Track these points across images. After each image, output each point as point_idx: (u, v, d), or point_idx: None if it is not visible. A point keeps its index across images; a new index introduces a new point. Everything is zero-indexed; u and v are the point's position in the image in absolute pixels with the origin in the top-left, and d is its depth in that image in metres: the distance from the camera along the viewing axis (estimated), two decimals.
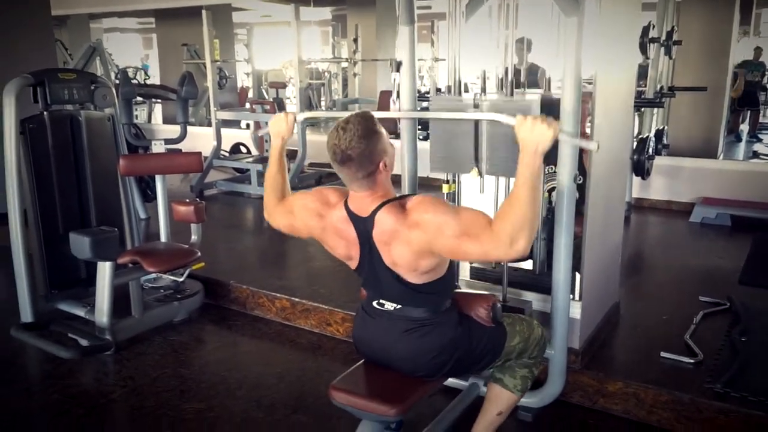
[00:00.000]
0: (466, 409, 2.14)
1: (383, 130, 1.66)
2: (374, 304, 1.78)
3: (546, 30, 2.61)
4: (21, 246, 3.02)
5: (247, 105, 6.79)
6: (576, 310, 2.37)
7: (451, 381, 2.19)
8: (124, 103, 4.09)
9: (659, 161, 5.01)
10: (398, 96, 2.53)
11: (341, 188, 1.79)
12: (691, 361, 2.48)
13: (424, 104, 8.11)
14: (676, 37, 4.97)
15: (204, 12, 6.07)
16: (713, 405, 2.20)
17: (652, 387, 2.30)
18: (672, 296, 3.29)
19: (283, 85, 9.54)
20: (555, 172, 2.20)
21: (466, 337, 1.77)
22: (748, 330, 2.70)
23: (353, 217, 1.70)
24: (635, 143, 4.67)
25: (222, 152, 6.23)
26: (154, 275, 3.31)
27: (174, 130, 4.20)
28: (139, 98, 7.82)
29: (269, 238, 4.93)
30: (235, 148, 6.79)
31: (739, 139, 8.70)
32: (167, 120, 9.49)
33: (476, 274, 2.65)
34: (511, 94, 2.32)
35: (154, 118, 10.40)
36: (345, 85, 10.00)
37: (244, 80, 11.26)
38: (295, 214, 1.85)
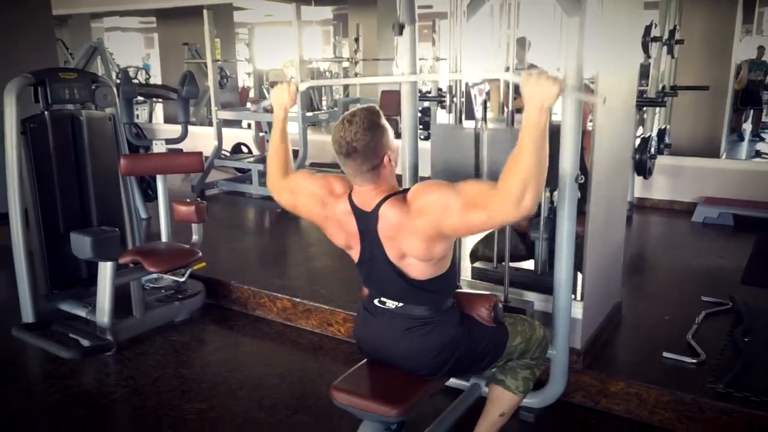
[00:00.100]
0: (467, 410, 2.14)
1: (389, 126, 1.67)
2: (376, 302, 1.78)
3: (547, 30, 2.60)
4: (22, 246, 3.02)
5: (248, 105, 6.79)
6: (578, 310, 2.37)
7: (452, 381, 2.19)
8: (125, 103, 4.09)
9: (661, 160, 5.01)
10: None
11: (347, 178, 1.78)
12: (694, 361, 2.47)
13: (425, 103, 8.06)
14: (679, 36, 4.96)
15: (205, 11, 6.07)
16: (716, 405, 2.20)
17: (655, 387, 2.30)
18: (674, 296, 3.29)
19: None
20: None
21: (467, 336, 1.77)
22: (751, 330, 2.70)
23: (356, 211, 1.70)
24: (637, 142, 4.67)
25: (223, 152, 6.23)
26: (155, 275, 3.31)
27: (175, 130, 4.20)
28: (140, 98, 7.80)
29: (270, 238, 4.94)
30: (236, 148, 6.79)
31: (742, 139, 8.68)
32: (168, 120, 9.50)
33: (477, 274, 2.65)
34: (512, 123, 2.31)
35: (155, 117, 10.41)
36: (346, 85, 10.00)
37: (245, 80, 11.25)
38: (299, 196, 1.86)
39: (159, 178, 3.38)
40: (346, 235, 1.76)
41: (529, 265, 2.67)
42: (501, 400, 1.97)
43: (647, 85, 5.14)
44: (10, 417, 2.46)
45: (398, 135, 2.68)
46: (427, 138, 2.94)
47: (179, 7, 8.45)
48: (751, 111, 8.90)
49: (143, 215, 4.77)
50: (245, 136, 7.08)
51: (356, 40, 9.06)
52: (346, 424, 2.04)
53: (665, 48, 4.94)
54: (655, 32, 4.71)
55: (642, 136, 4.90)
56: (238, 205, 5.67)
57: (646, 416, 2.31)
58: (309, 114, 5.88)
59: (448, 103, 2.52)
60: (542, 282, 2.46)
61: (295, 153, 5.60)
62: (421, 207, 1.60)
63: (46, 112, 3.11)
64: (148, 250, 3.06)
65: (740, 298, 2.99)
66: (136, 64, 12.00)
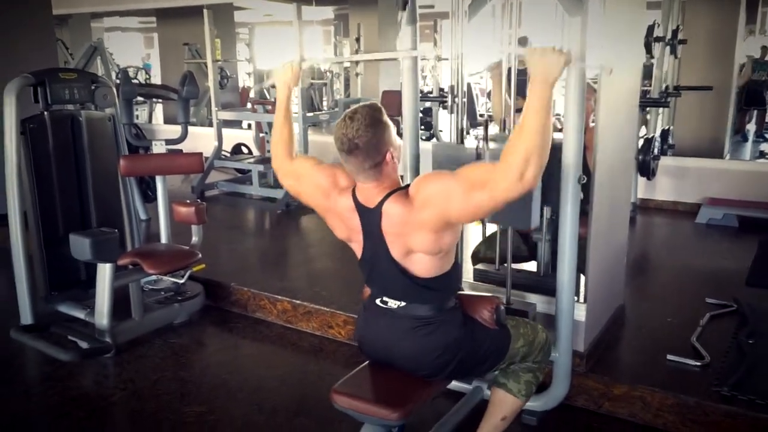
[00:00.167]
0: (469, 413, 2.13)
1: (391, 122, 1.67)
2: (377, 302, 1.78)
3: (549, 30, 2.60)
4: (21, 247, 3.02)
5: (249, 105, 6.79)
6: (581, 313, 2.36)
7: (454, 384, 2.18)
8: (125, 103, 4.08)
9: (665, 161, 4.99)
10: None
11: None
12: (698, 363, 2.46)
13: (427, 103, 8.03)
14: (682, 36, 4.96)
15: (205, 11, 6.07)
16: (720, 408, 2.19)
17: (658, 390, 2.29)
18: (678, 298, 3.28)
19: None
20: None
21: (469, 337, 1.76)
22: (756, 332, 2.69)
23: (360, 207, 1.70)
24: (640, 143, 4.66)
25: (223, 153, 6.23)
26: (154, 277, 3.31)
27: (175, 131, 4.19)
28: (139, 98, 7.80)
29: (270, 240, 4.93)
30: (237, 149, 6.79)
31: (746, 139, 8.67)
32: (168, 120, 9.50)
33: (479, 276, 2.64)
34: None
35: (155, 118, 10.41)
36: (347, 85, 10.00)
37: (245, 80, 11.26)
38: (303, 184, 1.86)
39: (159, 179, 3.38)
40: (347, 230, 1.77)
41: (531, 266, 2.66)
42: (503, 404, 1.96)
43: (650, 86, 5.13)
44: (8, 419, 2.45)
45: (399, 135, 2.67)
46: (428, 139, 2.94)
47: (179, 7, 8.46)
48: (755, 111, 8.89)
49: (143, 216, 4.77)
50: (245, 136, 7.08)
51: (357, 40, 9.06)
52: (347, 427, 2.03)
53: (668, 48, 4.93)
54: (657, 32, 4.70)
55: (645, 136, 4.89)
56: (238, 206, 5.67)
57: (650, 419, 2.30)
58: (310, 114, 5.87)
59: (450, 103, 2.51)
60: (545, 284, 2.45)
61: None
62: (425, 199, 1.60)
63: (45, 113, 3.11)
64: (147, 252, 3.06)
65: (745, 300, 2.98)
66: (136, 64, 12.02)
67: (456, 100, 2.48)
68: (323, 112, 8.59)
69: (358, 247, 1.78)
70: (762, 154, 7.93)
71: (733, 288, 3.11)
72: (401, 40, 2.37)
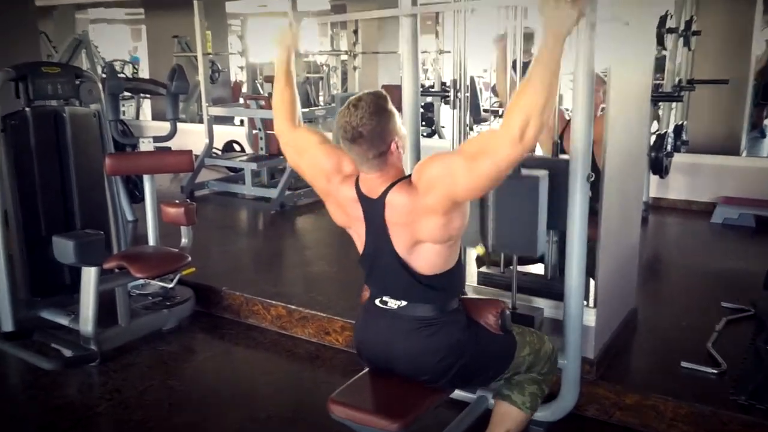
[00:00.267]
0: (473, 423, 2.13)
1: (396, 111, 1.68)
2: (377, 302, 1.78)
3: None
4: (1, 250, 3.01)
5: (241, 100, 6.80)
6: (590, 318, 2.36)
7: (458, 394, 2.18)
8: (111, 99, 4.09)
9: (678, 158, 4.99)
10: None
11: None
12: (714, 371, 2.46)
13: (428, 98, 8.02)
14: (696, 27, 4.95)
15: (195, 2, 6.07)
16: (737, 418, 2.19)
17: (672, 399, 2.29)
18: (693, 302, 3.28)
19: None
20: None
21: (473, 341, 1.76)
22: None
23: (363, 198, 1.71)
24: (653, 139, 4.66)
25: (214, 150, 6.23)
26: (141, 281, 3.31)
27: (163, 127, 4.20)
28: (126, 93, 7.81)
29: (264, 242, 4.93)
30: (228, 146, 6.79)
31: (764, 135, 8.66)
32: (156, 116, 9.51)
33: (484, 279, 2.64)
34: (519, 170, 2.30)
35: (143, 114, 10.42)
36: (344, 79, 10.01)
37: (237, 74, 11.27)
38: (304, 159, 1.86)
39: (146, 178, 3.37)
40: (348, 218, 1.77)
41: (538, 269, 2.66)
42: (507, 417, 1.95)
43: (663, 79, 5.13)
44: None
45: None
46: (429, 135, 2.93)
47: None
48: None
49: (129, 217, 4.77)
50: (238, 133, 7.08)
51: (355, 32, 9.07)
52: None
53: (681, 40, 4.93)
54: (670, 23, 4.70)
55: (657, 132, 4.90)
56: (230, 207, 5.67)
57: (664, 430, 2.30)
58: (305, 110, 5.87)
59: (452, 98, 2.51)
60: (552, 287, 2.46)
61: None
62: (428, 182, 1.61)
63: (27, 109, 3.11)
64: (134, 255, 3.06)
65: (763, 304, 2.97)
66: (122, 58, 12.03)
67: (459, 94, 2.49)
68: (319, 107, 8.58)
69: (358, 239, 1.79)
70: None
71: (751, 291, 3.10)
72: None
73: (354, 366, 2.01)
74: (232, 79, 10.89)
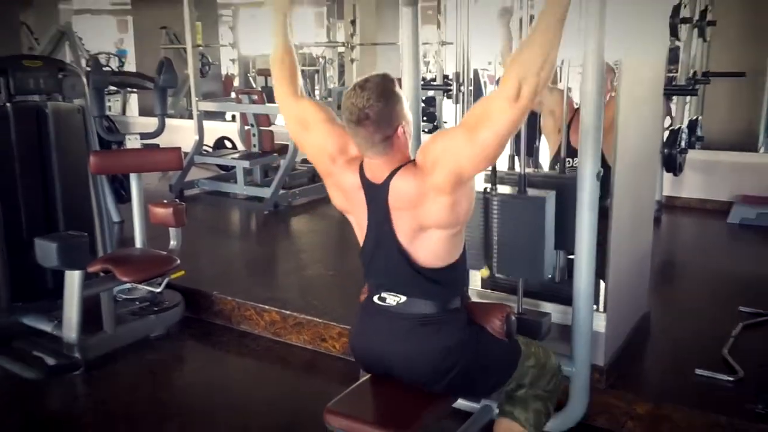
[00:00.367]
0: None
1: (403, 94, 1.69)
2: (375, 299, 1.78)
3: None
4: None
5: (233, 95, 6.80)
6: (600, 323, 2.36)
7: (461, 403, 2.18)
8: (96, 93, 4.10)
9: (692, 155, 5.00)
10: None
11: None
12: (730, 378, 2.46)
13: (430, 92, 8.04)
14: (711, 17, 4.96)
15: None
16: (755, 427, 2.19)
17: (686, 408, 2.29)
18: (708, 306, 3.28)
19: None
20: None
21: (474, 342, 1.76)
22: None
23: (366, 184, 1.71)
24: (666, 135, 4.67)
25: (204, 147, 6.23)
26: (128, 285, 3.30)
27: (151, 123, 4.21)
28: (112, 87, 7.83)
29: (257, 244, 4.93)
30: (219, 143, 6.80)
31: None
32: (143, 112, 9.52)
33: (488, 282, 2.64)
34: (524, 191, 2.30)
35: (129, 109, 10.42)
36: (341, 72, 10.00)
37: (229, 67, 11.28)
38: (308, 135, 1.84)
39: (133, 177, 3.37)
40: (348, 203, 1.78)
41: None
42: None
43: (676, 72, 5.14)
44: None
45: None
46: (431, 131, 2.94)
47: None
48: None
49: (115, 218, 4.76)
50: (229, 129, 7.09)
51: (352, 22, 9.06)
52: None
53: (696, 30, 4.93)
54: (684, 13, 4.71)
55: (671, 128, 4.90)
56: (221, 207, 5.67)
57: None
58: None
59: (454, 92, 2.51)
60: (560, 291, 2.45)
61: (286, 148, 5.61)
62: (434, 159, 1.62)
63: (8, 104, 3.11)
64: (120, 258, 3.06)
65: None
66: (108, 51, 12.01)
67: (461, 88, 2.48)
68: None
69: (358, 228, 1.79)
70: None
71: None
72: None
73: (352, 374, 2.01)
74: (223, 72, 10.91)
